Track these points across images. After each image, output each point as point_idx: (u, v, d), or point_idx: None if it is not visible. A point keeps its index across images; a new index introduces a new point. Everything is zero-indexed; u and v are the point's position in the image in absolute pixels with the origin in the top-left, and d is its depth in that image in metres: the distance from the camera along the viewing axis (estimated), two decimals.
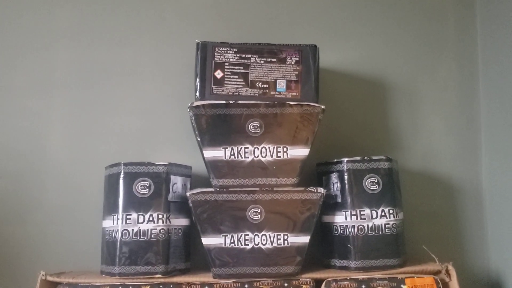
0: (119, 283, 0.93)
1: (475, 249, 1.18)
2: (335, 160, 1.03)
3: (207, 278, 0.96)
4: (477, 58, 1.24)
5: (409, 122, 1.21)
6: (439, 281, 0.96)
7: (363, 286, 0.94)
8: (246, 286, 0.94)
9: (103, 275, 0.97)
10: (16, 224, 1.11)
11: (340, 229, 1.01)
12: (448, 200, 1.19)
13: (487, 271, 1.17)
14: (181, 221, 1.00)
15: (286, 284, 0.94)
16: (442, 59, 1.24)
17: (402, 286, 0.95)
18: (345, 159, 1.01)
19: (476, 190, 1.20)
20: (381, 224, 0.98)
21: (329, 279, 0.95)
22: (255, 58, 0.98)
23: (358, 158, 1.01)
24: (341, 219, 1.01)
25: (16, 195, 1.11)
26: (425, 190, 1.19)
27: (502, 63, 1.13)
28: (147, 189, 0.96)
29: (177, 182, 1.00)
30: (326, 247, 1.06)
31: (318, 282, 0.96)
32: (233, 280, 0.95)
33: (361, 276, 0.96)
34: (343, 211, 1.00)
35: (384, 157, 1.02)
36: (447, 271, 0.98)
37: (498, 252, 1.15)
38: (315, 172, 1.10)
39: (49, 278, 0.93)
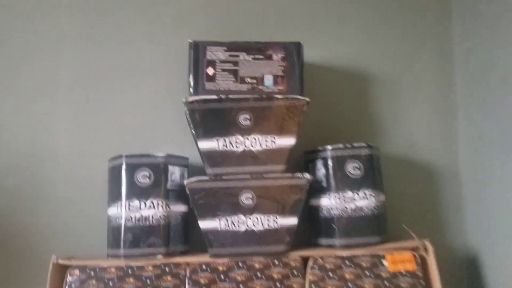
0: (124, 264, 1.01)
1: (454, 228, 1.26)
2: (320, 148, 1.11)
3: (204, 258, 1.04)
4: (452, 52, 1.32)
5: (390, 112, 1.29)
6: (418, 256, 1.05)
7: (347, 262, 1.03)
8: (240, 264, 1.03)
9: (109, 258, 1.05)
10: (28, 215, 1.19)
11: (326, 211, 1.09)
12: (428, 183, 1.27)
13: (465, 248, 1.25)
14: (180, 208, 1.09)
15: (276, 262, 1.03)
16: (420, 53, 1.32)
17: (382, 261, 1.04)
18: (329, 147, 1.09)
19: (454, 173, 1.28)
20: (363, 206, 1.07)
21: (316, 256, 1.04)
22: (244, 55, 1.07)
23: (341, 145, 1.09)
24: (326, 202, 1.09)
25: (28, 189, 1.20)
26: (406, 175, 1.27)
27: (476, 56, 1.21)
28: (148, 179, 1.05)
29: (175, 172, 1.09)
30: (313, 227, 1.14)
31: (305, 260, 1.05)
32: (228, 259, 1.03)
33: (345, 253, 1.04)
34: (328, 194, 1.09)
35: (365, 144, 1.10)
36: (424, 247, 1.06)
37: (475, 230, 1.23)
38: (302, 159, 1.18)
39: (60, 262, 1.01)
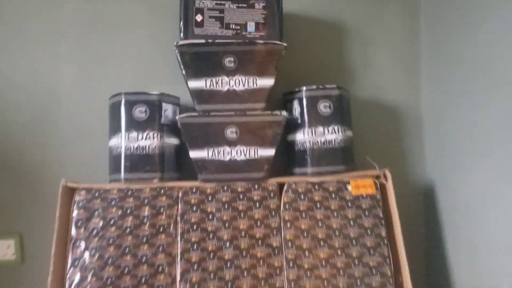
0: (125, 187, 1.17)
1: (414, 161, 1.44)
2: (296, 89, 1.26)
3: (194, 183, 1.20)
4: (418, 5, 1.45)
5: (361, 59, 1.43)
6: (378, 183, 1.22)
7: (316, 187, 1.20)
8: (225, 188, 1.19)
9: (111, 183, 1.21)
10: (38, 148, 1.34)
11: (300, 144, 1.25)
12: (392, 122, 1.43)
13: (423, 179, 1.43)
14: (173, 140, 1.24)
15: (256, 186, 1.20)
16: (389, 7, 1.45)
17: (347, 186, 1.21)
18: (304, 88, 1.24)
19: (416, 114, 1.44)
20: (332, 139, 1.23)
21: (290, 182, 1.21)
22: (229, 4, 1.19)
23: (314, 86, 1.24)
24: (301, 136, 1.25)
25: (36, 125, 1.35)
26: (373, 115, 1.43)
27: (439, 9, 1.34)
28: (144, 114, 1.19)
29: (168, 109, 1.23)
30: (289, 159, 1.30)
31: (281, 185, 1.22)
32: (215, 184, 1.20)
33: (315, 179, 1.21)
34: (302, 130, 1.24)
35: (335, 86, 1.25)
36: (384, 175, 1.22)
37: (432, 163, 1.39)
38: (281, 101, 1.33)
39: (69, 184, 1.17)
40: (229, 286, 1.11)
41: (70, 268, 1.11)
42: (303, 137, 1.24)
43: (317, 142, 1.23)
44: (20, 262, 1.34)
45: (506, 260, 1.01)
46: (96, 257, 1.11)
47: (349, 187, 1.20)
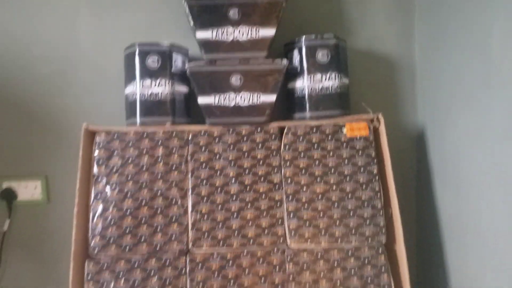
0: (140, 130, 1.30)
1: (407, 108, 1.53)
2: (296, 39, 1.35)
3: (203, 127, 1.32)
4: None
5: (357, 11, 1.51)
6: (371, 126, 1.33)
7: (314, 130, 1.31)
8: (230, 131, 1.31)
9: (128, 126, 1.33)
10: (61, 96, 1.47)
11: (299, 91, 1.36)
12: (387, 71, 1.52)
13: (415, 124, 1.53)
14: (182, 88, 1.35)
15: (259, 129, 1.31)
16: None
17: (342, 128, 1.32)
18: (303, 37, 1.33)
19: (410, 63, 1.52)
20: (329, 85, 1.33)
21: (290, 125, 1.32)
22: None
23: (313, 36, 1.33)
24: (300, 84, 1.35)
25: (59, 76, 1.47)
26: (369, 64, 1.51)
27: None
28: (156, 63, 1.30)
29: (177, 59, 1.34)
30: (289, 105, 1.41)
31: (282, 129, 1.33)
32: (221, 127, 1.31)
33: (313, 123, 1.32)
34: (301, 77, 1.35)
35: (332, 35, 1.34)
36: (377, 118, 1.33)
37: (424, 109, 1.49)
38: (282, 52, 1.42)
39: (90, 128, 1.29)
40: (235, 216, 1.25)
41: (93, 200, 1.25)
42: (302, 84, 1.34)
43: (315, 88, 1.33)
44: (47, 202, 1.48)
45: (488, 194, 1.11)
46: (116, 191, 1.25)
47: (344, 130, 1.31)
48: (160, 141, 1.29)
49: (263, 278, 1.21)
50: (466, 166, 1.20)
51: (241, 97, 1.31)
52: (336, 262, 1.23)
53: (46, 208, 1.48)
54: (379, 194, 1.28)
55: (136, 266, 1.21)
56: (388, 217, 1.28)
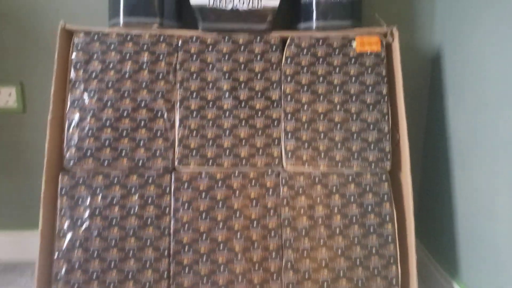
0: (124, 31, 1.14)
1: (424, 24, 1.37)
2: None
3: (195, 32, 1.17)
4: None
5: None
6: (384, 41, 1.18)
7: (320, 42, 1.17)
8: (226, 38, 1.16)
9: (111, 27, 1.18)
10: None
11: None
12: None
13: (432, 44, 1.38)
14: None
15: (258, 38, 1.16)
16: None
17: (352, 42, 1.17)
18: None
19: None
20: None
21: (293, 36, 1.17)
22: None
23: None
24: None
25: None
26: None
27: None
28: None
29: None
30: (294, 13, 1.25)
31: (284, 41, 1.18)
32: (216, 34, 1.16)
33: (320, 34, 1.17)
34: None
35: None
36: (391, 33, 1.18)
37: (442, 28, 1.33)
38: None
39: (68, 27, 1.14)
40: (227, 133, 1.13)
41: (69, 108, 1.12)
42: None
43: None
44: (22, 111, 1.35)
45: (506, 115, 0.99)
46: (95, 98, 1.12)
47: (354, 44, 1.17)
48: (145, 46, 1.14)
49: (254, 201, 1.11)
50: (487, 90, 1.07)
51: None
52: (334, 188, 1.12)
53: (21, 117, 1.36)
54: (386, 116, 1.15)
55: (115, 182, 1.10)
56: (395, 142, 1.17)
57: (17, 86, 1.33)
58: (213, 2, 1.15)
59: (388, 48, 1.19)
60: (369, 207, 1.12)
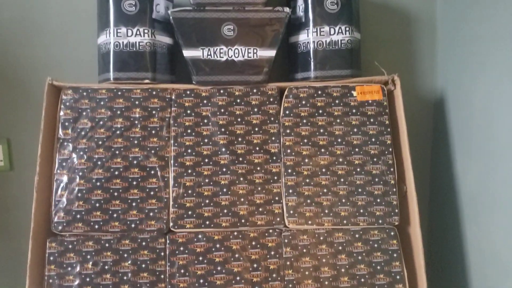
0: (114, 87, 1.10)
1: (425, 69, 1.34)
2: None
3: (189, 86, 1.12)
4: None
5: None
6: (385, 89, 1.14)
7: (320, 92, 1.12)
8: (221, 91, 1.11)
9: (100, 82, 1.13)
10: (23, 47, 1.26)
11: (303, 46, 1.15)
12: (404, 27, 1.32)
13: (434, 88, 1.34)
14: (165, 39, 1.15)
15: (255, 90, 1.12)
16: None
17: (352, 92, 1.13)
18: None
19: (431, 17, 1.32)
20: (338, 40, 1.13)
21: (291, 86, 1.13)
22: None
23: None
24: (304, 37, 1.15)
25: (22, 21, 1.25)
26: (384, 19, 1.31)
27: None
28: (134, 7, 1.09)
29: (160, 3, 1.13)
30: (291, 63, 1.21)
31: (282, 91, 1.14)
32: (211, 86, 1.12)
33: (318, 84, 1.13)
34: (306, 30, 1.14)
35: None
36: (393, 81, 1.13)
37: (444, 72, 1.30)
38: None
39: (55, 83, 1.09)
40: (225, 191, 1.07)
41: (57, 169, 1.06)
42: (306, 37, 1.14)
43: (322, 43, 1.13)
44: (9, 169, 1.29)
45: None
46: (84, 158, 1.06)
47: (354, 93, 1.12)
48: (137, 101, 1.09)
49: (255, 264, 1.04)
50: (497, 137, 1.02)
51: (234, 51, 1.11)
52: (340, 247, 1.05)
53: (8, 175, 1.30)
54: (392, 168, 1.09)
55: (106, 247, 1.03)
56: (402, 194, 1.11)
57: (3, 143, 1.27)
58: (207, 54, 1.11)
59: (390, 95, 1.14)
60: (378, 266, 1.05)
